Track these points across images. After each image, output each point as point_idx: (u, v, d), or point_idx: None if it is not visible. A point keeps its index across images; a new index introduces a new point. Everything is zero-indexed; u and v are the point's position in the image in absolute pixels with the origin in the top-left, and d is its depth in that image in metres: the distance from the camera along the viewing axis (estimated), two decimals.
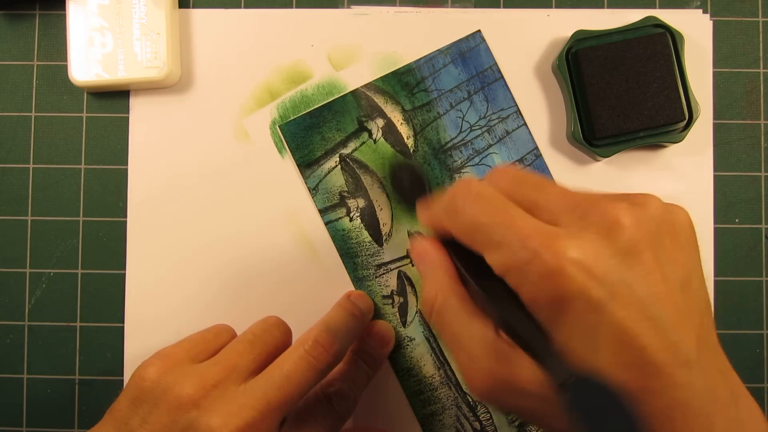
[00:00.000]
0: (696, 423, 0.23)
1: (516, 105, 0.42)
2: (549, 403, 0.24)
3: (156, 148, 0.42)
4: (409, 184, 0.41)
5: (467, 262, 0.28)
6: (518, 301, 0.25)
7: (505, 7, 0.43)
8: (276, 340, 0.34)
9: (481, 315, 0.27)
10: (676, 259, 0.24)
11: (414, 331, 0.42)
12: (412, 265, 0.42)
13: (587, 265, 0.23)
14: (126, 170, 0.42)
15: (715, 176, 0.42)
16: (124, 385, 0.41)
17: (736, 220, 0.42)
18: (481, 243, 0.26)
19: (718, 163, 0.42)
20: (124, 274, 0.42)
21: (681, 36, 0.40)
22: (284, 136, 0.42)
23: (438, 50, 0.42)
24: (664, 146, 0.42)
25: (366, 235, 0.42)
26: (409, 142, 0.42)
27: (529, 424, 0.41)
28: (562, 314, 0.23)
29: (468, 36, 0.42)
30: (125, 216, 0.42)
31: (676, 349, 0.23)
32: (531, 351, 0.24)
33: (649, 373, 0.23)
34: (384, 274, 0.42)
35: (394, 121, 0.42)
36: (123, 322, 0.42)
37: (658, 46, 0.40)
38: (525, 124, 0.42)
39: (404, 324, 0.42)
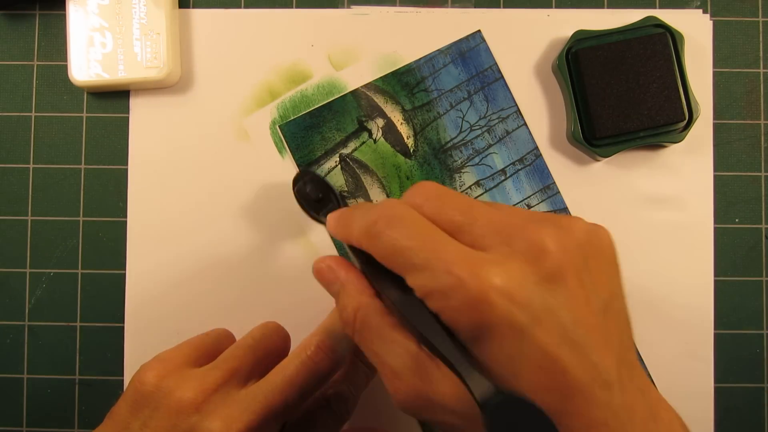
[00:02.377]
0: None
1: (516, 105, 0.42)
2: (469, 419, 0.25)
3: (156, 148, 0.42)
4: (314, 193, 0.37)
5: (384, 276, 0.27)
6: (438, 318, 0.25)
7: (505, 7, 0.43)
8: (275, 345, 0.34)
9: (402, 329, 0.27)
10: (599, 282, 0.25)
11: None
12: None
13: (511, 293, 0.23)
14: (126, 170, 0.42)
15: (715, 176, 0.42)
16: (124, 386, 0.41)
17: (736, 220, 0.42)
18: (402, 266, 0.25)
19: (718, 163, 0.42)
20: (124, 274, 0.42)
21: (681, 36, 0.40)
22: (284, 136, 0.42)
23: (438, 50, 0.42)
24: (664, 146, 0.42)
25: None
26: (409, 142, 0.42)
27: None
28: (485, 339, 0.24)
29: (468, 36, 0.42)
30: (125, 216, 0.42)
31: (596, 371, 0.23)
32: (452, 369, 0.25)
33: (568, 395, 0.23)
34: None
35: (394, 121, 0.42)
36: (123, 322, 0.42)
37: (658, 46, 0.40)
38: (525, 124, 0.42)
39: None
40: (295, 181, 0.37)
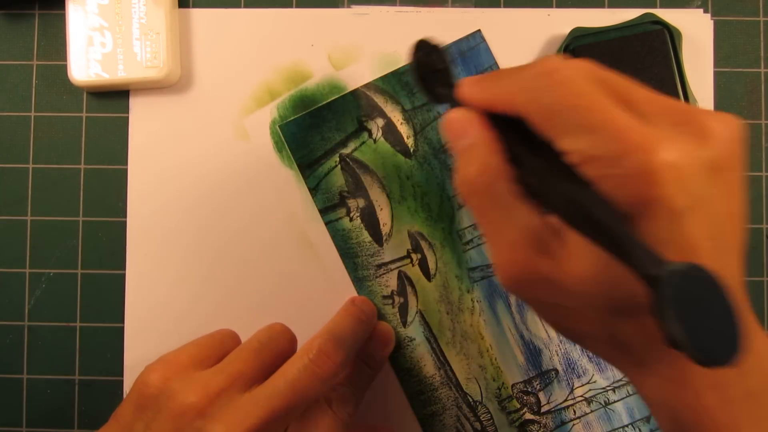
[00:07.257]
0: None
1: None
2: (588, 302, 0.24)
3: (156, 148, 0.42)
4: (439, 62, 0.32)
5: (526, 144, 0.25)
6: (585, 194, 0.23)
7: (505, 6, 0.43)
8: (281, 347, 0.34)
9: (527, 201, 0.25)
10: (744, 185, 0.24)
11: (414, 331, 0.42)
12: (413, 265, 0.42)
13: (679, 172, 0.22)
14: (126, 170, 0.42)
15: None
16: (124, 386, 0.41)
17: None
18: (562, 126, 0.24)
19: None
20: (124, 274, 0.42)
21: (678, 32, 0.40)
22: (284, 136, 0.42)
23: None
24: None
25: (366, 235, 0.42)
26: (409, 142, 0.42)
27: (530, 424, 0.41)
28: (639, 217, 0.22)
29: (468, 36, 0.42)
30: (125, 216, 0.42)
31: (725, 273, 0.22)
32: (607, 243, 0.22)
33: None
34: (384, 274, 0.42)
35: (394, 120, 0.42)
36: (123, 322, 0.42)
37: (655, 43, 0.40)
38: None
39: (404, 324, 0.42)
40: (417, 49, 0.32)
